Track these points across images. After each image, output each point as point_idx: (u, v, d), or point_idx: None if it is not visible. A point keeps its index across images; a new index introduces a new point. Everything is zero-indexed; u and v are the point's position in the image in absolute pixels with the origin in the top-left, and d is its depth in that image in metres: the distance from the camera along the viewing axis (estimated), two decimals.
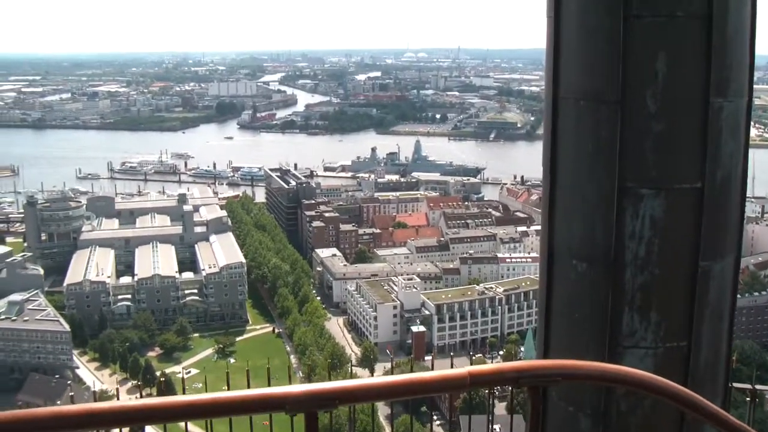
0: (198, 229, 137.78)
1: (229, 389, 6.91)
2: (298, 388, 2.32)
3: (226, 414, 2.30)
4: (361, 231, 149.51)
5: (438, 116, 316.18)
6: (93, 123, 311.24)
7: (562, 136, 4.00)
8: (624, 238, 3.79)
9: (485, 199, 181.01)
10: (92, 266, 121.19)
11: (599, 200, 3.83)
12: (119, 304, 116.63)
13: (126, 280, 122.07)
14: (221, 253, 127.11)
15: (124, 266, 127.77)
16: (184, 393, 8.39)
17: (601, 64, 3.74)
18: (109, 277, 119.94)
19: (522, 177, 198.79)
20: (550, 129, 4.04)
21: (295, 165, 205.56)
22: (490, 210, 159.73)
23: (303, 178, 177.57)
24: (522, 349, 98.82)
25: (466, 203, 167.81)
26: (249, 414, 2.33)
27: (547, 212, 4.15)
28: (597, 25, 3.74)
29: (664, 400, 2.68)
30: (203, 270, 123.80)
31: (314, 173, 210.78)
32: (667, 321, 3.85)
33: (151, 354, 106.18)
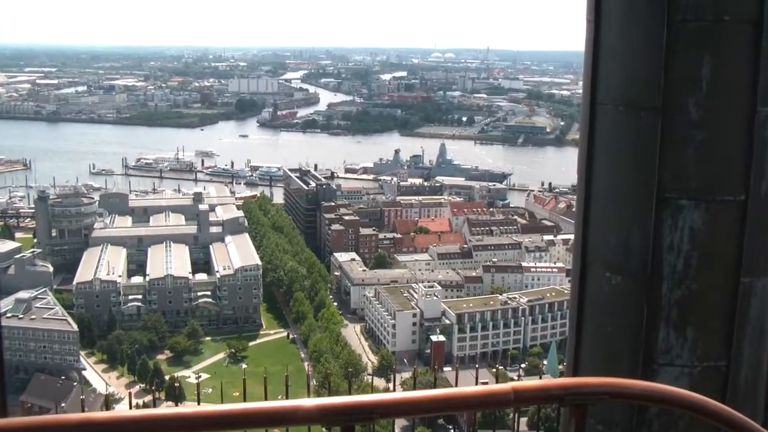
0: (213, 229, 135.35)
1: (244, 396, 6.46)
2: (335, 400, 2.22)
3: (260, 425, 2.20)
4: (381, 235, 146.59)
5: (464, 119, 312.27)
6: (109, 117, 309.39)
7: (599, 143, 3.84)
8: (661, 250, 3.65)
9: (511, 205, 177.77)
10: (103, 265, 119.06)
11: (636, 210, 3.71)
12: (129, 304, 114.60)
13: (137, 279, 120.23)
14: (236, 254, 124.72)
15: (136, 265, 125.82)
16: (198, 399, 8.20)
17: (642, 70, 3.59)
18: (120, 276, 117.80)
19: (550, 184, 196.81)
20: (586, 135, 3.89)
21: (315, 166, 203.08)
22: (515, 217, 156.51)
23: (323, 180, 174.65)
24: (545, 362, 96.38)
25: (491, 209, 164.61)
26: (284, 426, 2.25)
27: (581, 222, 4.00)
28: (639, 28, 3.59)
29: (724, 429, 2.54)
30: (217, 271, 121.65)
31: (335, 175, 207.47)
32: (705, 339, 3.71)
33: (160, 357, 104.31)
